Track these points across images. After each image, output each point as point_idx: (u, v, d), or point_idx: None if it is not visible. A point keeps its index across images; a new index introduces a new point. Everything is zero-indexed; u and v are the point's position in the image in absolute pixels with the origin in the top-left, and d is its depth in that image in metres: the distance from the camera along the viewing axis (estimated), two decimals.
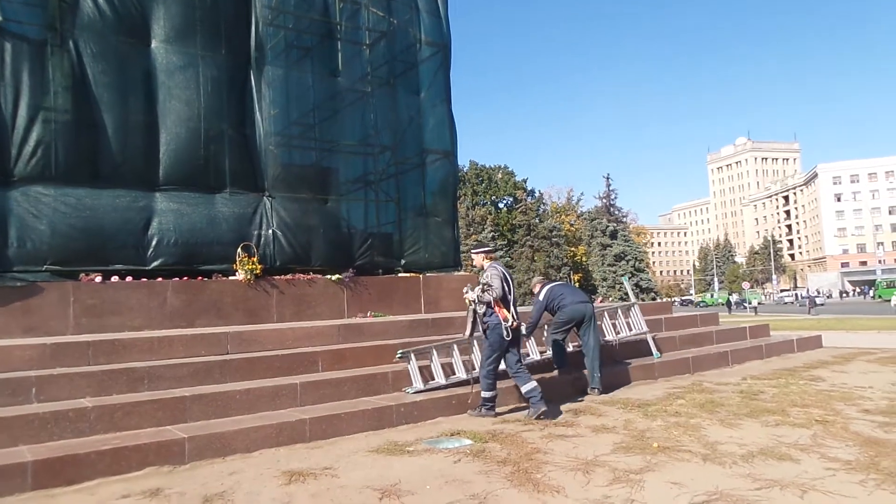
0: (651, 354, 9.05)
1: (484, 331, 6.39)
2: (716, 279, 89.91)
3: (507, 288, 6.36)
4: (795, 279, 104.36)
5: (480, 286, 6.36)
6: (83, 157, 8.15)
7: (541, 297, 7.92)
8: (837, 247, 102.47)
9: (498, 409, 6.52)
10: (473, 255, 6.80)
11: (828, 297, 70.44)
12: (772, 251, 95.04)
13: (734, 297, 58.86)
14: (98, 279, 7.88)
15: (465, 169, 61.75)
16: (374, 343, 7.56)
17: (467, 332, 6.52)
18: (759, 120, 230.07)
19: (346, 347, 7.32)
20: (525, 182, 65.02)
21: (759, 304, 49.54)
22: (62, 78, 8.04)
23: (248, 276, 8.74)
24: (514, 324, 6.29)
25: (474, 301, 6.33)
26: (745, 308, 49.38)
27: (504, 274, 6.46)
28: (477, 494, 4.01)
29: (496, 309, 6.28)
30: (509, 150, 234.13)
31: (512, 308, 6.36)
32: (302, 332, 7.48)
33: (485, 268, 6.55)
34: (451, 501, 3.89)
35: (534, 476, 4.36)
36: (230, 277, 8.82)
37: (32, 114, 7.81)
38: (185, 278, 8.48)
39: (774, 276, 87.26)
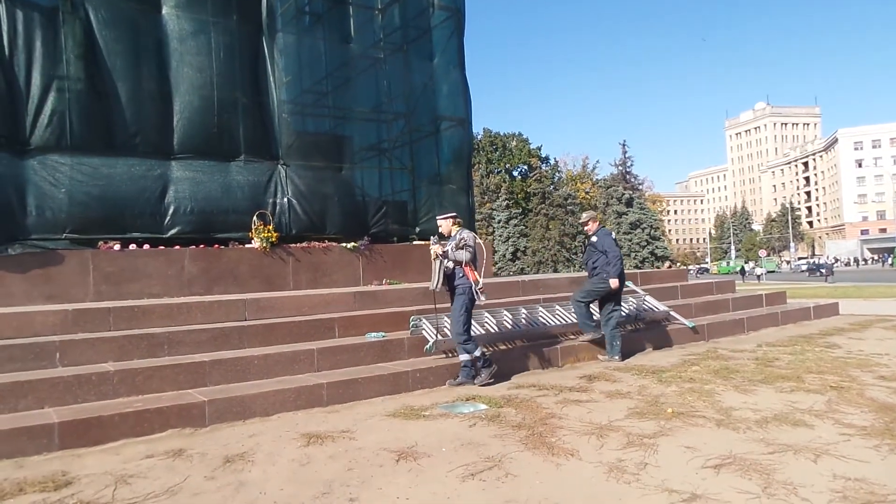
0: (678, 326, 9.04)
1: (452, 290, 6.39)
2: (732, 247, 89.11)
3: (478, 252, 6.46)
4: (813, 247, 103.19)
5: (455, 242, 6.35)
6: (98, 125, 8.18)
7: (615, 241, 7.68)
8: (857, 214, 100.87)
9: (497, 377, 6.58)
10: (441, 221, 6.71)
11: (846, 264, 69.45)
12: (790, 218, 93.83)
13: (749, 266, 58.17)
14: (116, 247, 7.98)
15: (479, 136, 61.26)
16: (389, 310, 7.62)
17: (436, 284, 6.39)
18: (779, 85, 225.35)
19: (362, 314, 7.39)
20: (540, 150, 64.42)
21: (765, 272, 48.46)
22: (74, 46, 8.02)
23: (264, 244, 8.80)
24: (482, 287, 6.32)
25: (442, 255, 6.30)
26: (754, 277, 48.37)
27: (477, 239, 6.52)
28: (492, 457, 4.07)
29: (466, 271, 6.30)
30: (524, 118, 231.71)
31: (481, 272, 6.43)
32: (318, 299, 7.55)
33: (454, 233, 6.51)
34: (466, 464, 3.95)
35: (548, 440, 4.41)
36: (246, 245, 8.89)
37: (46, 82, 7.83)
38: (202, 246, 8.56)
39: (792, 244, 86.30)
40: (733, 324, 9.70)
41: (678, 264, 63.43)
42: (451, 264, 6.32)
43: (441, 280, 6.34)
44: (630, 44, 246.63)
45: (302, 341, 6.62)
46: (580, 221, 8.02)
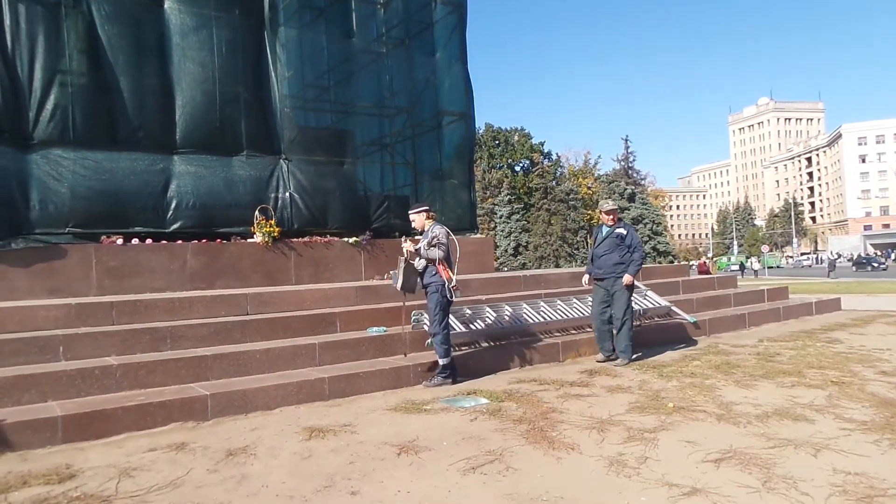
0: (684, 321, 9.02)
1: (424, 287, 6.24)
2: (735, 242, 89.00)
3: (451, 249, 6.26)
4: (816, 242, 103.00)
5: (428, 240, 6.19)
6: (100, 120, 8.20)
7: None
8: (860, 209, 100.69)
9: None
10: (413, 216, 6.49)
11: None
12: (793, 214, 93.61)
13: (750, 262, 58.04)
14: (119, 241, 8.00)
15: (481, 131, 61.20)
16: (390, 305, 7.62)
17: (398, 284, 6.26)
18: (783, 79, 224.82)
19: (364, 309, 7.40)
20: (542, 145, 64.45)
21: (761, 268, 48.03)
22: (77, 41, 8.03)
23: (266, 239, 8.82)
24: (455, 285, 6.15)
25: (412, 252, 6.18)
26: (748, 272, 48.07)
27: (450, 234, 6.34)
28: (493, 451, 4.09)
29: (440, 268, 6.13)
30: (526, 113, 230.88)
31: (455, 269, 6.23)
32: (320, 294, 7.57)
33: (427, 228, 6.34)
34: (467, 457, 3.97)
35: (549, 434, 4.43)
36: (248, 240, 8.90)
37: (49, 77, 7.83)
38: (204, 241, 8.58)
39: (795, 239, 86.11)
40: (735, 319, 9.70)
41: (712, 258, 62.67)
42: (422, 262, 6.17)
43: (402, 280, 6.18)
44: (632, 38, 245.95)
45: (303, 336, 6.64)
46: (608, 208, 7.34)
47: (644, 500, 3.24)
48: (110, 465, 4.01)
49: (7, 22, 7.62)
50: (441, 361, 6.16)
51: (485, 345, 7.25)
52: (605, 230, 7.28)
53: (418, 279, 6.27)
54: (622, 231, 7.14)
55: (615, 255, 7.09)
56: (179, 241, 8.41)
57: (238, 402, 5.20)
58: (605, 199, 7.71)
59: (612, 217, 7.29)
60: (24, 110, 7.70)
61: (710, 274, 12.21)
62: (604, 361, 7.12)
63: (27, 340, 5.44)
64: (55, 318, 5.97)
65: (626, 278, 6.98)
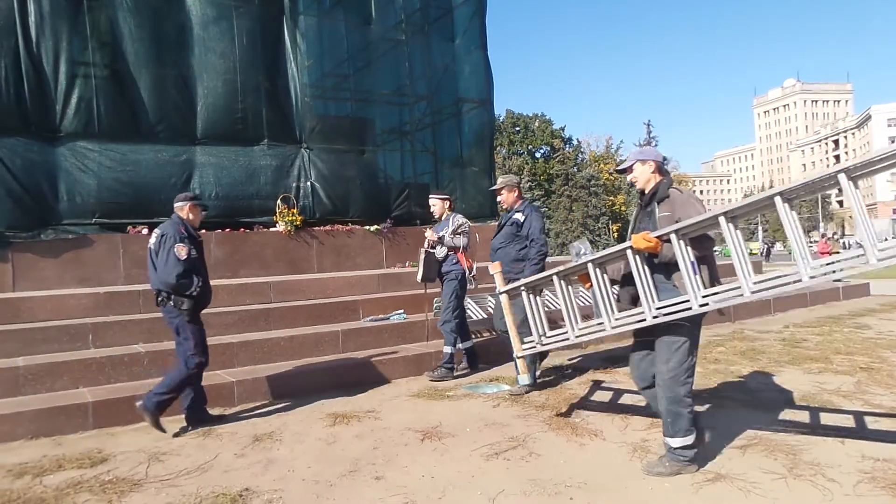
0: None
1: (442, 276, 6.17)
2: (760, 228, 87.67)
3: (471, 238, 6.25)
4: (843, 227, 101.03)
5: (452, 228, 6.10)
6: (124, 112, 8.28)
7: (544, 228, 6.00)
8: (889, 192, 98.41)
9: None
10: (435, 201, 6.34)
11: None
12: (819, 197, 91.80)
13: (778, 247, 56.97)
14: (144, 231, 8.10)
15: (501, 118, 60.73)
16: (412, 292, 7.64)
17: (419, 276, 6.21)
18: (810, 61, 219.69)
19: (386, 296, 7.45)
20: (562, 130, 63.70)
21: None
22: (99, 33, 8.12)
23: (289, 228, 8.88)
24: (474, 274, 6.07)
25: (434, 241, 6.09)
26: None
27: (470, 226, 6.30)
28: (516, 437, 4.10)
29: (461, 257, 6.07)
30: (546, 99, 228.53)
31: (474, 258, 6.19)
32: (342, 282, 7.63)
33: (446, 217, 6.25)
34: (490, 443, 3.99)
35: (572, 421, 4.43)
36: (271, 229, 8.97)
37: (73, 70, 7.92)
38: (228, 230, 8.66)
39: (821, 224, 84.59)
40: (760, 305, 9.56)
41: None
42: (444, 250, 6.10)
43: (423, 270, 6.12)
44: (655, 20, 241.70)
45: (327, 323, 6.72)
46: (497, 186, 5.72)
47: (668, 487, 3.24)
48: (140, 449, 4.10)
49: (32, 17, 7.72)
50: (446, 349, 5.98)
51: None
52: (503, 217, 5.79)
53: (439, 268, 6.26)
54: (519, 217, 5.47)
55: (512, 248, 5.46)
56: (203, 231, 8.47)
57: (263, 389, 5.28)
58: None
59: (506, 198, 5.62)
60: (50, 103, 7.80)
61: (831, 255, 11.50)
62: (523, 393, 5.28)
63: (58, 328, 5.57)
64: (84, 307, 6.11)
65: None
